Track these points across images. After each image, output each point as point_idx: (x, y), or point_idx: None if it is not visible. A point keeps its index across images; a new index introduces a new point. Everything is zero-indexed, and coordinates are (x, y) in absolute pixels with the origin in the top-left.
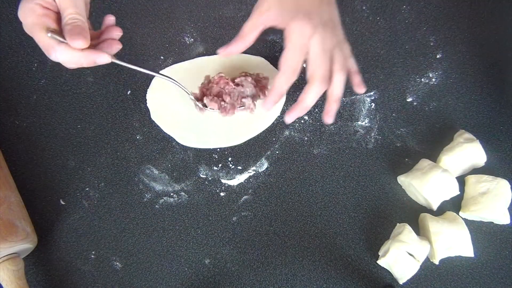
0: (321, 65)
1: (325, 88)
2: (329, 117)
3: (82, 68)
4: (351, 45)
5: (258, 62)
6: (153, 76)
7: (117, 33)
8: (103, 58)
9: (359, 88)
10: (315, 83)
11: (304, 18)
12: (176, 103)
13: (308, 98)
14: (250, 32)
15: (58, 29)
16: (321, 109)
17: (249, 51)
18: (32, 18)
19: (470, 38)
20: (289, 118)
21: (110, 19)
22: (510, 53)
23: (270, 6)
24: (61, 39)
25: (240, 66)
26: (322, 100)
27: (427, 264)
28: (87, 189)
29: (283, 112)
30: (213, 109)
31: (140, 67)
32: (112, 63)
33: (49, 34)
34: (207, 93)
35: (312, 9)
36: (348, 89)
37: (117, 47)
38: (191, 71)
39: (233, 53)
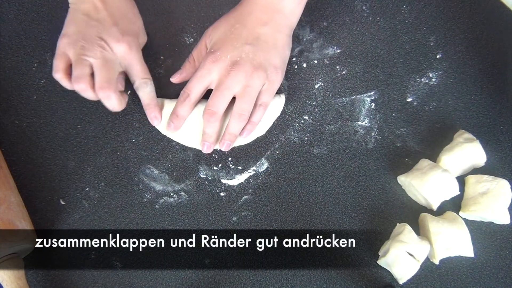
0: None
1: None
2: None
3: None
4: (351, 45)
5: None
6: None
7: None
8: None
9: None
10: (206, 115)
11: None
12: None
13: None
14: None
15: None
16: (321, 109)
17: None
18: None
19: (470, 38)
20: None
21: None
22: (510, 53)
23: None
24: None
25: None
26: (323, 100)
27: (427, 264)
28: (87, 189)
29: (283, 112)
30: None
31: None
32: None
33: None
34: None
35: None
36: (348, 88)
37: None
38: None
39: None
